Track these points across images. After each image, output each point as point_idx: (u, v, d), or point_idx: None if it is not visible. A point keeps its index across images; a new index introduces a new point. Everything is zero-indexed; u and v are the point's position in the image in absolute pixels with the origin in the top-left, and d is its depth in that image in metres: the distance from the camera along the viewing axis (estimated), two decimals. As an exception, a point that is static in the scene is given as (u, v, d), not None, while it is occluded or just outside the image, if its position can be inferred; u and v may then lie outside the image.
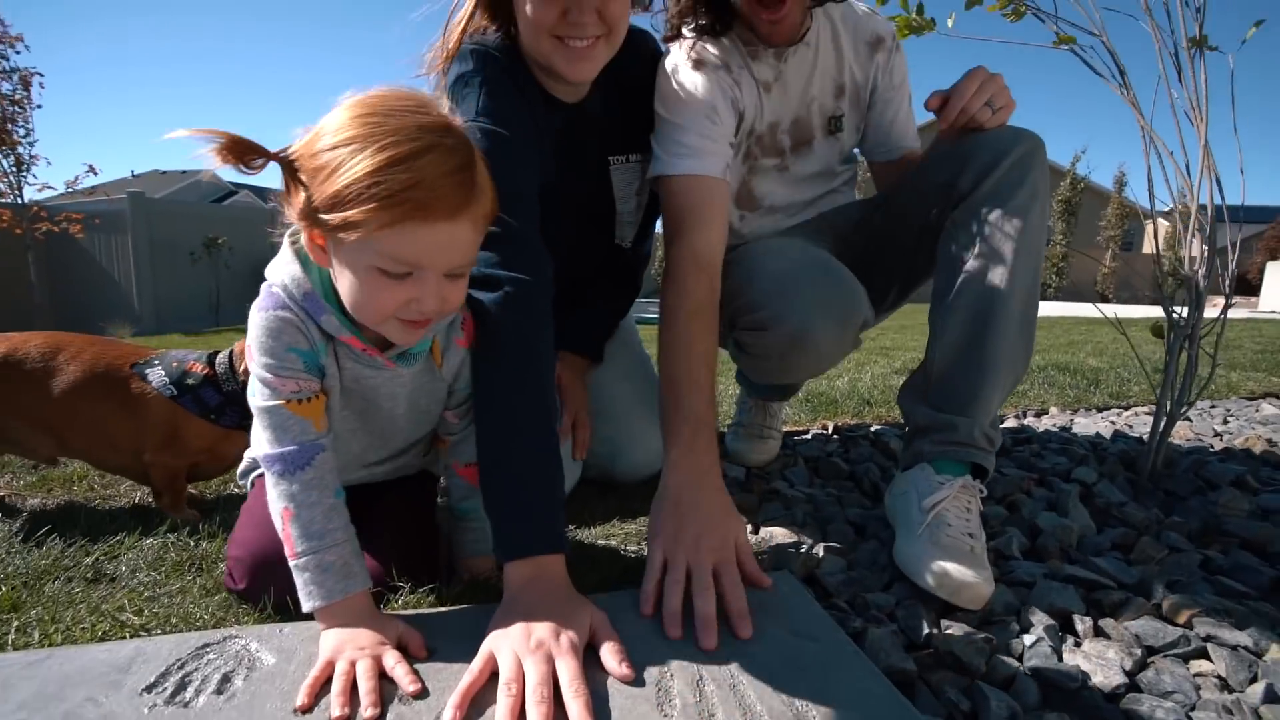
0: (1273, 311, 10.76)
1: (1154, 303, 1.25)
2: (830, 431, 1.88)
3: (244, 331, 1.19)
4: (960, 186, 1.09)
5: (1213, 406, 2.21)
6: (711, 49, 1.24)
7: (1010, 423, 2.00)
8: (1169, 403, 1.36)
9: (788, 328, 1.07)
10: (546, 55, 1.01)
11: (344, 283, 0.76)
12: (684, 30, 1.27)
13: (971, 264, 1.06)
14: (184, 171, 29.34)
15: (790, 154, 1.32)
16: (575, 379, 1.29)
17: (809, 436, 1.83)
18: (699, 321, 1.03)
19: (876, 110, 1.33)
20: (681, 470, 0.92)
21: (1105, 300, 19.36)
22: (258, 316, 0.81)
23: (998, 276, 1.04)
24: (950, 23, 1.48)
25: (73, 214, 9.23)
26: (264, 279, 0.84)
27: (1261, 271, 15.50)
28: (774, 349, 1.11)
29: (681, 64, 1.20)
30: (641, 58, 1.23)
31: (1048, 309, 8.80)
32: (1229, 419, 2.04)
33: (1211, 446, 1.69)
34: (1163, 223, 1.40)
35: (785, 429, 1.86)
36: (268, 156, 0.74)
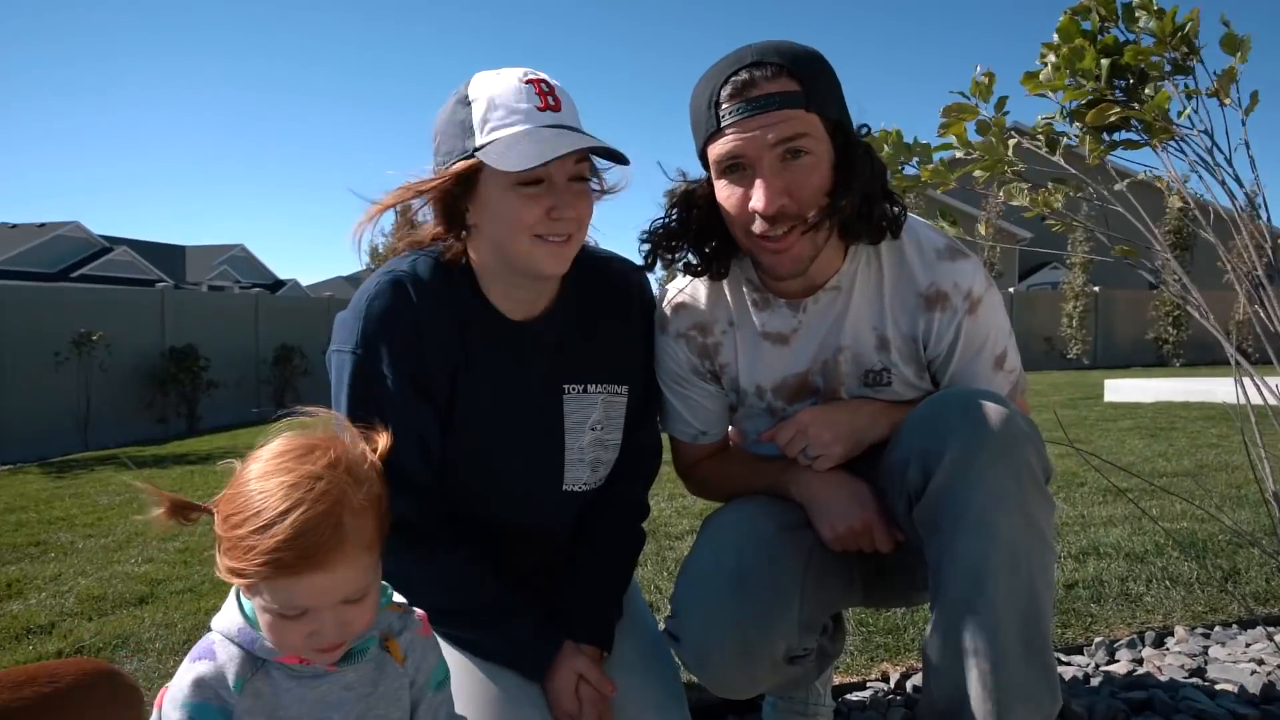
0: None
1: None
2: (891, 687, 1.91)
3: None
4: (910, 479, 1.20)
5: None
6: (699, 302, 1.44)
7: (1122, 662, 2.03)
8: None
9: (687, 651, 1.30)
10: (525, 254, 1.26)
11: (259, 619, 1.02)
12: (673, 264, 1.43)
13: (944, 587, 1.15)
14: (41, 224, 29.68)
15: (823, 398, 1.44)
16: (596, 690, 1.32)
17: (865, 697, 1.86)
18: (710, 464, 1.55)
19: (932, 368, 1.41)
20: (805, 483, 1.37)
21: (1245, 355, 19.44)
22: (183, 669, 1.03)
23: (977, 607, 1.11)
24: (984, 229, 1.62)
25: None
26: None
27: None
28: (688, 666, 1.32)
29: (658, 321, 1.48)
30: (613, 281, 1.47)
31: (1161, 388, 8.87)
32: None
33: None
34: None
35: (835, 678, 1.89)
36: (200, 509, 1.03)
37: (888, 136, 1.46)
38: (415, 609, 1.16)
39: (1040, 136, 1.38)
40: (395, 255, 1.38)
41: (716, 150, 1.27)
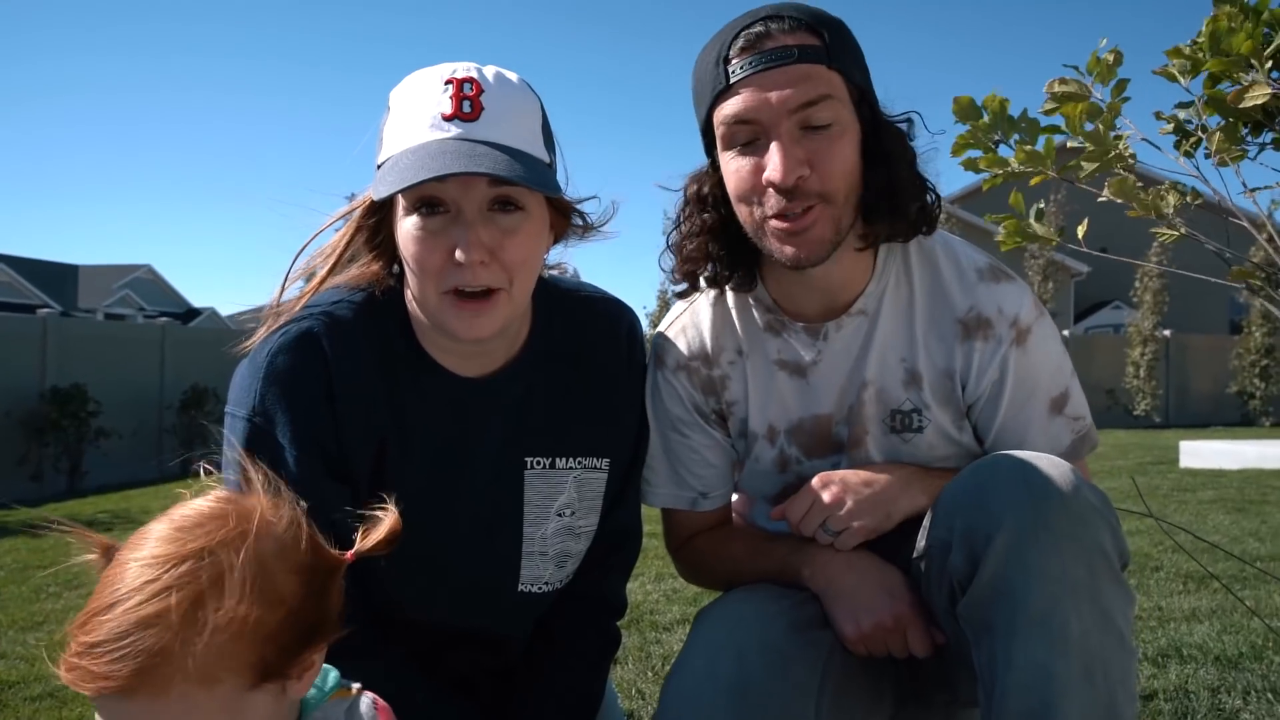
0: None
1: None
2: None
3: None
4: (953, 565, 1.16)
5: None
6: (703, 328, 1.43)
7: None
8: None
9: None
10: (435, 311, 1.20)
11: None
12: (700, 283, 1.42)
13: (1000, 704, 1.09)
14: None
15: (848, 451, 1.41)
16: None
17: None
18: (706, 540, 1.50)
19: (974, 415, 1.39)
20: (821, 567, 1.33)
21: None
22: None
23: None
24: (1081, 232, 1.58)
25: None
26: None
27: None
28: None
29: (654, 355, 1.45)
30: (595, 326, 1.41)
31: (1248, 452, 8.87)
32: None
33: None
34: None
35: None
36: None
37: (992, 102, 1.44)
38: (368, 693, 1.06)
39: (1166, 124, 1.35)
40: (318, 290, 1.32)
41: (724, 112, 1.27)
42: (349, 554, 1.00)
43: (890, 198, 1.28)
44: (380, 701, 1.06)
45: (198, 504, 0.94)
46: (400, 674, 1.27)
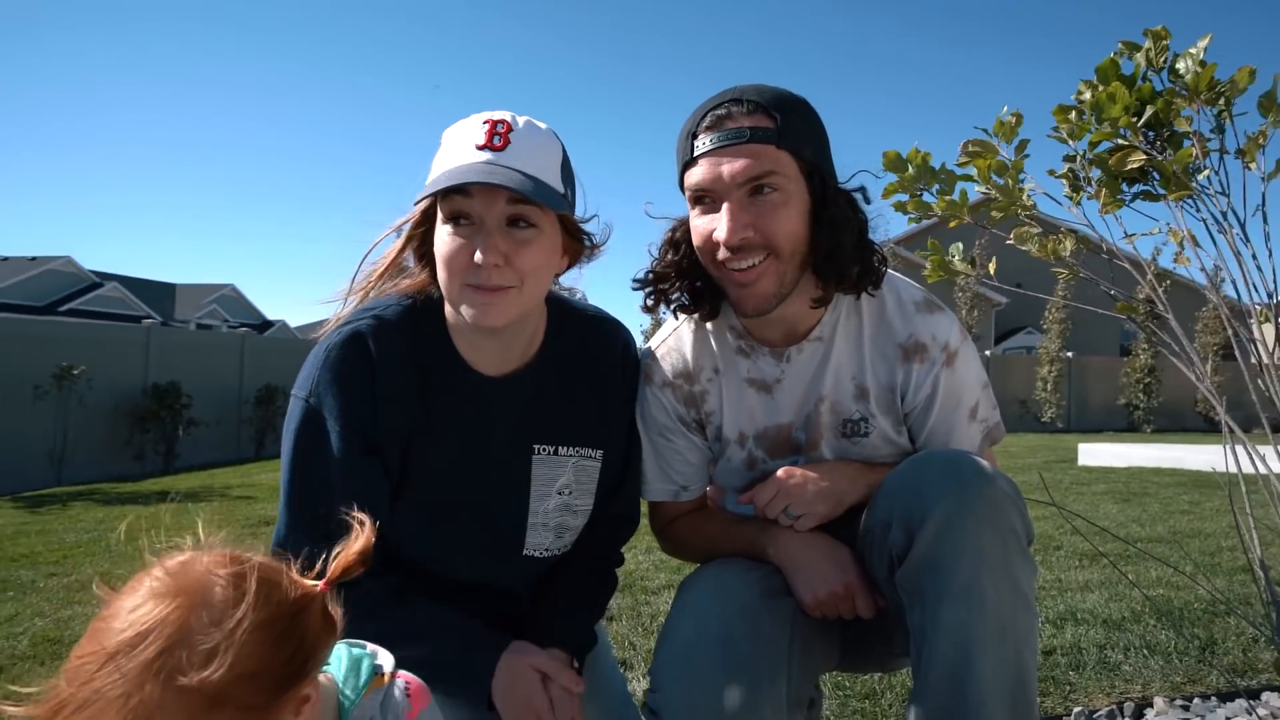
0: None
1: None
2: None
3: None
4: (892, 541, 1.18)
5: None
6: (685, 350, 1.44)
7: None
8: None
9: None
10: (456, 299, 1.23)
11: None
12: (667, 306, 1.43)
13: (929, 656, 1.11)
14: (33, 257, 29.64)
15: (805, 452, 1.42)
16: (566, 689, 1.25)
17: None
18: (685, 523, 1.50)
19: (909, 420, 1.40)
20: (784, 544, 1.34)
21: (1211, 425, 19.63)
22: None
23: (964, 678, 1.09)
24: (992, 268, 1.60)
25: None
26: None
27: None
28: None
29: (644, 373, 1.47)
30: (598, 340, 1.43)
31: (1133, 454, 8.90)
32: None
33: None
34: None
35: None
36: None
37: (915, 156, 1.44)
38: (400, 678, 0.97)
39: (1062, 180, 1.37)
40: (372, 297, 1.34)
41: (689, 180, 1.29)
42: (323, 584, 0.86)
43: (832, 260, 1.28)
44: (413, 682, 0.98)
45: (141, 588, 0.79)
46: (419, 600, 1.27)
